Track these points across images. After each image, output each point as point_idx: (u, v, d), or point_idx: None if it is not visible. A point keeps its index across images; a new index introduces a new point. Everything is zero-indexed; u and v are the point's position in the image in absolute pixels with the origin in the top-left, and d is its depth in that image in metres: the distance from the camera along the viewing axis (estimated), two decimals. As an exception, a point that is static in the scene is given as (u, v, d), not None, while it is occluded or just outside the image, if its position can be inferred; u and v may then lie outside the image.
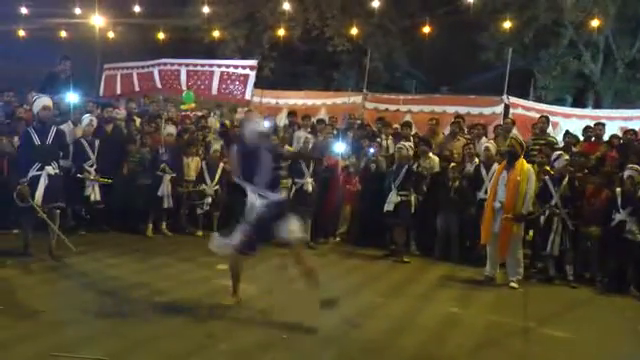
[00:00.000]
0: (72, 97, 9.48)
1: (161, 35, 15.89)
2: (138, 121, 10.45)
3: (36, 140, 6.99)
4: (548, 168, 8.35)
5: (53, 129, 7.19)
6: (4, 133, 8.59)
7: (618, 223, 7.54)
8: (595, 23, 14.13)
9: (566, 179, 7.94)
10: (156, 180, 9.08)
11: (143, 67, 14.86)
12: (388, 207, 8.66)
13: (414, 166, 8.84)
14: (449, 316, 6.06)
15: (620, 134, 9.91)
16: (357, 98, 13.22)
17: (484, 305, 6.64)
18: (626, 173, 7.70)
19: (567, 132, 10.13)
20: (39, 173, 6.89)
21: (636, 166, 7.74)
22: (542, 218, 7.93)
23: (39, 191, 6.84)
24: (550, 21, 16.42)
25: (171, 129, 9.67)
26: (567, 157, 8.15)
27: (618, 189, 7.74)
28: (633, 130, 9.89)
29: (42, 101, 7.16)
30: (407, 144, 9.10)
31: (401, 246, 8.73)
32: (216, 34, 16.62)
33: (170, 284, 6.48)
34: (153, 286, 6.33)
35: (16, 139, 8.38)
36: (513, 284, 7.46)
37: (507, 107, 11.99)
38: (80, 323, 5.02)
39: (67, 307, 5.43)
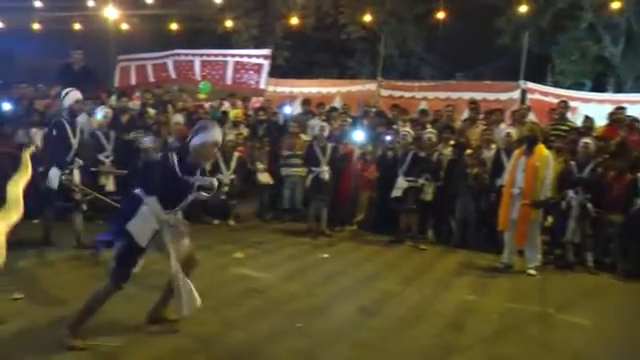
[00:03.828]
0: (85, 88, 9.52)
1: (174, 26, 15.85)
2: (153, 112, 10.47)
3: (70, 133, 7.00)
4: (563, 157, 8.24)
5: (77, 122, 7.22)
6: (21, 125, 8.65)
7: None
8: (616, 5, 13.79)
9: (591, 165, 7.82)
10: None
11: (157, 58, 14.95)
12: (396, 193, 8.65)
13: (421, 153, 8.82)
14: (466, 303, 5.99)
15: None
16: (372, 85, 13.11)
17: (501, 292, 6.56)
18: (648, 157, 7.59)
19: (586, 117, 9.93)
20: (72, 166, 6.97)
21: (658, 150, 7.61)
22: (563, 204, 7.82)
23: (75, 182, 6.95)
24: (568, 4, 16.11)
25: (179, 118, 9.66)
26: (590, 142, 8.00)
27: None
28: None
29: (74, 95, 7.13)
30: (409, 130, 9.15)
31: (407, 232, 8.71)
32: (229, 24, 16.54)
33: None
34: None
35: (34, 130, 8.45)
36: (531, 271, 7.37)
37: (524, 92, 11.83)
38: (101, 311, 5.02)
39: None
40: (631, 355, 4.93)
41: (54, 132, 7.04)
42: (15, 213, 2.82)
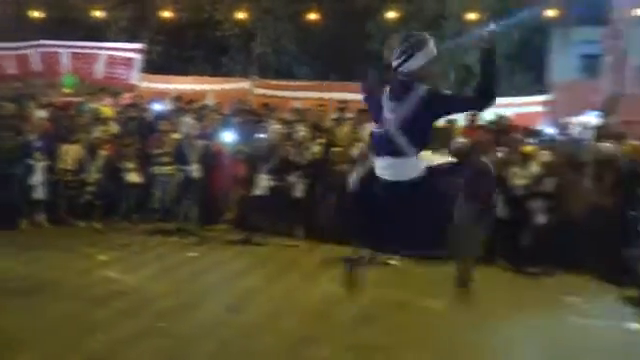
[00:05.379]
0: None
1: (37, 13, 14.88)
2: (11, 106, 9.81)
3: None
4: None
5: None
6: None
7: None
8: (472, 16, 14.83)
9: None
10: (28, 169, 8.59)
11: (18, 48, 13.96)
12: (259, 191, 8.79)
13: (289, 152, 9.03)
14: (331, 295, 6.20)
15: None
16: (245, 84, 13.17)
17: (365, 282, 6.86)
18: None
19: None
20: None
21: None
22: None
23: None
24: (434, 13, 17.03)
25: (42, 113, 9.19)
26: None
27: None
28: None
29: None
30: (277, 128, 9.38)
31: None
32: (101, 15, 15.82)
33: (50, 275, 6.27)
34: (34, 278, 6.10)
35: None
36: (393, 261, 7.75)
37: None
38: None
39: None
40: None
41: None
42: None
